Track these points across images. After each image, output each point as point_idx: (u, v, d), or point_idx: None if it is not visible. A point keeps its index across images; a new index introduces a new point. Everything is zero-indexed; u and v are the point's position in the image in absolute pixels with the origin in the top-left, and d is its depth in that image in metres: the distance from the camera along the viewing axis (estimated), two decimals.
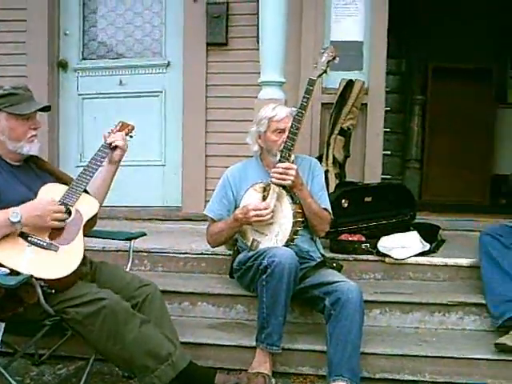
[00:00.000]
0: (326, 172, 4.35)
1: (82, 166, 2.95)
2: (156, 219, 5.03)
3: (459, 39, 6.75)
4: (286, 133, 3.20)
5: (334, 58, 3.20)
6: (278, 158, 3.17)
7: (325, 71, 3.20)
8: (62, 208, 2.70)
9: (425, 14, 6.93)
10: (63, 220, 2.69)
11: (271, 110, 3.30)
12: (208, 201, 3.55)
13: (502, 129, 6.89)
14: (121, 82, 5.25)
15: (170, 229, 4.73)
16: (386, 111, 6.83)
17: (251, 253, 3.21)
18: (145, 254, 3.91)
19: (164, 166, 5.27)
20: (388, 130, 6.83)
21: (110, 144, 2.99)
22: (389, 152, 6.76)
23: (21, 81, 4.64)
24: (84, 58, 5.37)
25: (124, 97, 5.23)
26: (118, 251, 3.80)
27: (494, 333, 3.29)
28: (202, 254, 3.89)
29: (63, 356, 3.31)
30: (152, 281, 3.02)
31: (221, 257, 3.82)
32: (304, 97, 3.14)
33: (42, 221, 2.63)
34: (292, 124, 3.15)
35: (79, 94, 5.35)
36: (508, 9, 5.11)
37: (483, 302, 3.40)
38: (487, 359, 3.13)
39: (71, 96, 5.36)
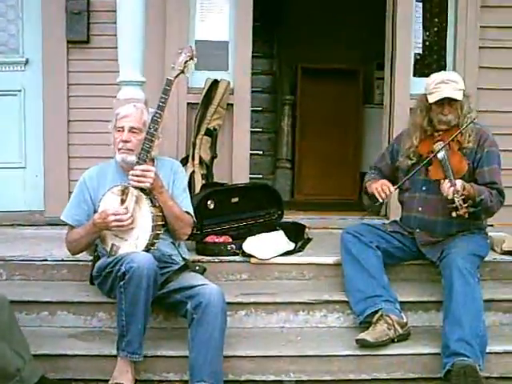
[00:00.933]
0: (193, 173, 4.31)
1: None
2: (18, 224, 4.77)
3: (328, 40, 6.90)
4: (126, 131, 3.16)
5: (191, 58, 3.15)
6: (136, 159, 3.10)
7: (182, 71, 3.14)
8: None
9: (294, 14, 7.04)
10: None
11: (120, 107, 3.25)
12: None
13: (368, 128, 7.09)
14: None
15: (32, 234, 4.50)
16: (258, 111, 6.92)
17: (110, 258, 3.10)
18: (0, 262, 3.69)
19: (25, 168, 5.00)
20: (260, 129, 6.91)
21: None
22: (261, 152, 6.83)
23: None
24: None
25: None
26: None
27: (356, 329, 3.36)
28: (62, 260, 3.71)
29: None
30: (2, 291, 2.86)
31: (83, 263, 3.64)
32: (161, 97, 3.08)
33: None
34: (149, 125, 3.09)
35: None
36: (375, 10, 5.28)
37: (346, 299, 3.46)
38: (349, 355, 3.20)
39: None
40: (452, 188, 3.18)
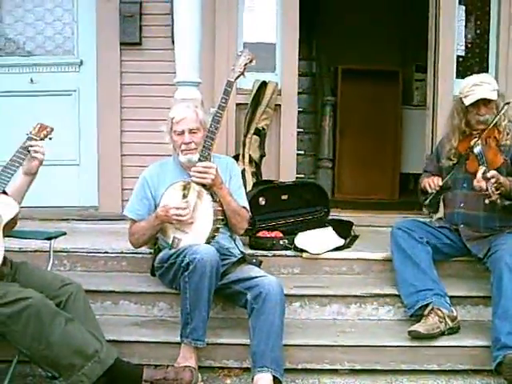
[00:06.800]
0: (243, 171, 4.43)
1: None
2: (72, 219, 4.92)
3: (368, 42, 7.01)
4: (186, 134, 3.29)
5: (251, 61, 3.29)
6: (198, 157, 3.25)
7: (242, 73, 3.28)
8: None
9: (334, 16, 7.15)
10: None
11: (174, 110, 3.38)
12: (125, 200, 3.54)
13: (408, 129, 7.16)
14: (32, 80, 5.11)
15: (88, 229, 4.66)
16: (299, 112, 6.98)
17: (172, 250, 3.24)
18: (64, 254, 3.84)
19: (78, 165, 5.19)
20: (301, 130, 6.98)
21: (27, 148, 2.95)
22: (302, 152, 6.90)
23: None
24: None
25: (36, 95, 5.10)
26: (35, 251, 3.69)
27: (407, 322, 3.45)
28: (122, 252, 3.86)
29: None
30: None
31: (141, 255, 3.80)
32: (222, 98, 3.22)
33: None
34: (211, 124, 3.23)
35: None
36: (413, 12, 5.34)
37: (396, 293, 3.55)
38: (400, 346, 3.29)
39: None
40: (482, 175, 3.27)
